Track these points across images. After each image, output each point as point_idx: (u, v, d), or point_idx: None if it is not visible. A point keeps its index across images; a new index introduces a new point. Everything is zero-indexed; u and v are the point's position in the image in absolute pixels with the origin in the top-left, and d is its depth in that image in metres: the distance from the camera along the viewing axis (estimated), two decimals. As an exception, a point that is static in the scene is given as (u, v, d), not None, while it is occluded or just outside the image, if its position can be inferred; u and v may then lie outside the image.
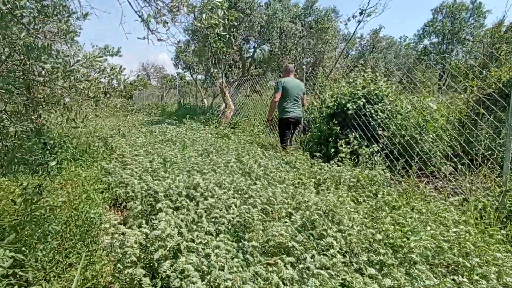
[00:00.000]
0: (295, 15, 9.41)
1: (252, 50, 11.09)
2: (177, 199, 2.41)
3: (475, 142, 3.69)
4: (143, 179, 3.07)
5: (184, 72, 15.80)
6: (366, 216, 2.31)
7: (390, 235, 1.95)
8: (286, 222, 2.04)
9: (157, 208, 2.13)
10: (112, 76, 2.47)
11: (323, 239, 1.83)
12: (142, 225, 1.89)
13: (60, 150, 4.16)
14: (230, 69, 10.55)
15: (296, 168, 3.55)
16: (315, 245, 1.82)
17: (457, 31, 16.96)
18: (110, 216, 2.46)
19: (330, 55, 10.81)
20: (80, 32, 2.63)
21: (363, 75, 4.34)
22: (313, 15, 9.77)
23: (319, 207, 2.22)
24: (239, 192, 2.53)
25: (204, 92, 17.16)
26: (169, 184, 2.60)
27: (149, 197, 2.74)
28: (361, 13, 8.33)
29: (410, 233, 1.99)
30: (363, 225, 2.07)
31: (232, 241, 1.75)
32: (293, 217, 2.10)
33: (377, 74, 4.20)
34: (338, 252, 1.74)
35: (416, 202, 2.68)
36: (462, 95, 4.43)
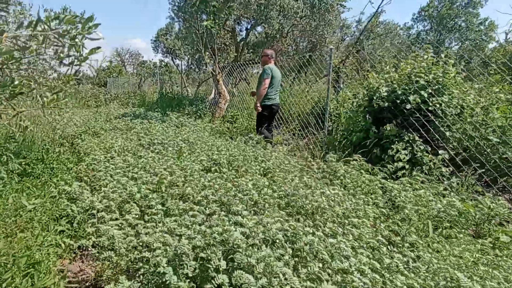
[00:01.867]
0: (296, -9, 8.21)
1: (245, 32, 9.81)
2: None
3: None
4: (128, 221, 1.89)
5: (164, 57, 14.25)
6: None
7: None
8: None
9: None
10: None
11: None
12: None
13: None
14: (220, 54, 9.24)
15: (351, 185, 2.48)
16: None
17: (453, 17, 16.38)
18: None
19: (331, 39, 9.74)
20: None
21: (425, 56, 3.29)
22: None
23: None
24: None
25: (186, 80, 15.67)
26: (177, 248, 1.45)
27: (141, 262, 1.58)
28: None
29: None
30: None
31: None
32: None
33: (444, 54, 3.16)
34: None
35: None
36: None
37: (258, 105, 4.48)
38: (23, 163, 3.12)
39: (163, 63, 15.12)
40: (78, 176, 3.32)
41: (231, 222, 1.72)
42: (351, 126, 3.85)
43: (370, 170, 2.95)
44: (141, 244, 1.66)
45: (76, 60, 1.46)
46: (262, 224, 1.68)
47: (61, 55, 1.31)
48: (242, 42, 9.40)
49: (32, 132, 3.76)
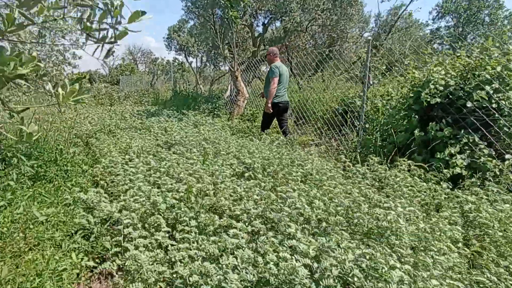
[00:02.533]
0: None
1: (262, 27, 9.44)
2: None
3: None
4: (157, 241, 1.57)
5: (178, 55, 13.99)
6: None
7: None
8: None
9: None
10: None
11: None
12: None
13: (8, 163, 2.59)
14: (237, 50, 8.89)
15: (408, 195, 2.10)
16: None
17: (475, 11, 15.61)
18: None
19: (352, 34, 9.28)
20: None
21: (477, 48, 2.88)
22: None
23: None
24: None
25: (198, 77, 15.39)
26: (222, 283, 1.12)
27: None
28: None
29: None
30: None
31: None
32: None
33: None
34: None
35: None
36: None
37: (270, 105, 4.36)
38: (35, 165, 2.85)
39: (177, 60, 14.88)
40: (94, 179, 3.05)
41: (284, 247, 1.38)
42: (392, 125, 3.46)
43: (423, 176, 2.57)
44: (175, 275, 1.34)
45: (111, 32, 1.04)
46: (324, 250, 1.34)
47: (88, 23, 0.97)
48: (259, 38, 9.04)
49: (45, 131, 3.50)
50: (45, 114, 4.17)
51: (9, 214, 1.95)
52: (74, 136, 4.30)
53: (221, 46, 6.32)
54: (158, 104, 9.75)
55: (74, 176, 3.04)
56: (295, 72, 9.34)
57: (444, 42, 17.69)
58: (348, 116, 4.82)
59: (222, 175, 2.36)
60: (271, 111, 4.40)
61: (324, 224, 1.56)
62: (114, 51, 1.07)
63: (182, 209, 1.91)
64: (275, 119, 4.71)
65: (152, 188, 2.48)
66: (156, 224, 1.93)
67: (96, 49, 1.04)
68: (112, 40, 1.01)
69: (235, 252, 1.40)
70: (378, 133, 3.60)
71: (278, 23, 9.44)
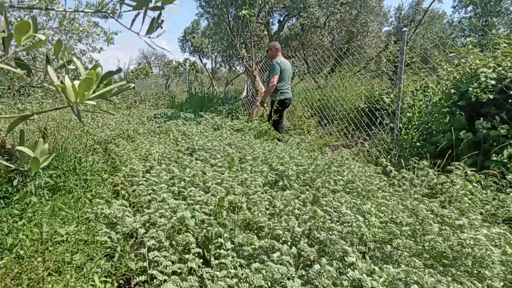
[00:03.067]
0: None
1: (277, 25, 9.18)
2: None
3: None
4: (191, 268, 1.36)
5: (192, 56, 13.92)
6: None
7: None
8: None
9: None
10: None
11: None
12: None
13: (26, 174, 2.45)
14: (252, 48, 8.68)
15: (475, 208, 1.81)
16: None
17: (499, 0, 14.81)
18: None
19: (373, 28, 8.89)
20: None
21: None
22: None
23: None
24: None
25: (213, 78, 15.27)
26: None
27: None
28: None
29: None
30: None
31: None
32: None
33: None
34: None
35: None
36: None
37: (265, 103, 4.38)
38: (54, 175, 2.71)
39: (188, 61, 14.80)
40: (114, 189, 2.89)
41: (345, 281, 1.14)
42: (433, 124, 3.15)
43: (481, 182, 2.26)
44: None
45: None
46: (396, 284, 1.09)
47: None
48: (275, 36, 8.79)
49: (63, 138, 3.37)
50: (63, 120, 4.06)
51: (29, 233, 1.79)
52: (93, 143, 4.19)
53: (238, 45, 6.11)
54: (174, 106, 9.66)
55: (94, 185, 2.89)
56: (311, 70, 9.05)
57: (469, 34, 16.92)
58: (377, 115, 4.52)
59: (254, 185, 2.13)
60: (265, 106, 4.44)
61: (388, 247, 1.30)
62: (161, 26, 0.85)
63: (214, 227, 1.69)
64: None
65: (177, 199, 2.29)
66: (184, 242, 1.73)
67: (133, 20, 0.82)
68: (158, 5, 0.78)
69: (285, 283, 1.17)
70: (416, 132, 3.29)
71: (294, 20, 9.17)
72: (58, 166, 2.89)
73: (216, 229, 1.68)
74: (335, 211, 1.54)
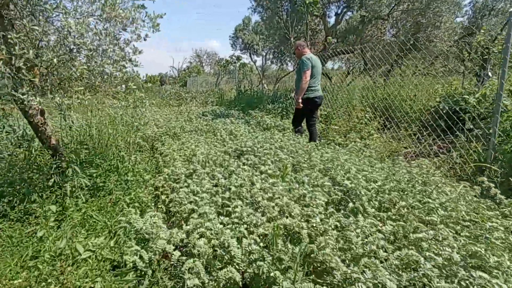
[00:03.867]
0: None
1: (333, 18, 8.50)
2: None
3: None
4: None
5: (242, 53, 13.76)
6: None
7: None
8: None
9: None
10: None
11: None
12: None
13: (64, 174, 2.29)
14: (308, 42, 8.14)
15: None
16: None
17: None
18: None
19: (447, 18, 7.74)
20: None
21: None
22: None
23: None
24: None
25: (262, 75, 14.94)
26: None
27: None
28: None
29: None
30: None
31: None
32: None
33: None
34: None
35: None
36: None
37: (300, 100, 4.02)
38: (94, 174, 2.54)
39: (237, 58, 14.69)
40: (155, 192, 2.64)
41: None
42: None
43: None
44: None
45: None
46: None
47: None
48: (332, 30, 8.13)
49: (107, 135, 3.25)
50: (109, 116, 3.99)
51: (52, 245, 1.56)
52: (140, 140, 4.07)
53: (292, 40, 5.64)
54: (222, 104, 9.52)
55: (135, 187, 2.67)
56: (369, 66, 8.22)
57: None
58: (457, 118, 3.73)
59: (314, 204, 1.67)
60: (301, 106, 4.03)
61: None
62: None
63: (266, 262, 1.28)
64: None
65: (220, 213, 1.93)
66: (227, 277, 1.34)
67: None
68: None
69: None
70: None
71: (353, 12, 8.39)
72: (100, 164, 2.73)
73: (267, 266, 1.27)
74: (447, 264, 1.02)
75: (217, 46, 63.48)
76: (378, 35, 9.30)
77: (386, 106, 4.88)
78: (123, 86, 2.50)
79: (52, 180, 2.11)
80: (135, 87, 2.49)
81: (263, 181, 2.14)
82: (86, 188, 2.38)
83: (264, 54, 13.82)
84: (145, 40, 2.42)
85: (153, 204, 2.41)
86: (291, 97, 7.85)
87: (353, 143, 3.60)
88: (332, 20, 8.78)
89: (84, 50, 2.05)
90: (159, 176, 2.84)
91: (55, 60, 1.78)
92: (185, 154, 3.21)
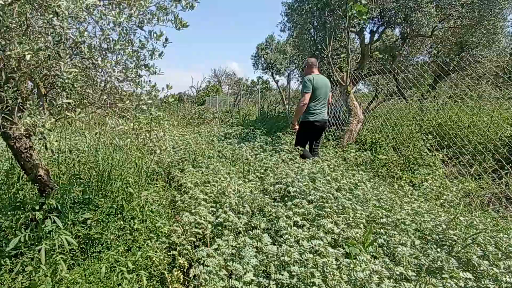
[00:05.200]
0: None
1: (369, 35, 7.85)
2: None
3: None
4: None
5: (264, 73, 13.27)
6: None
7: None
8: None
9: None
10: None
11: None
12: None
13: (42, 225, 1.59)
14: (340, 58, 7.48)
15: None
16: None
17: None
18: None
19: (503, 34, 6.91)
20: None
21: None
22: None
23: None
24: None
25: (287, 96, 14.35)
26: None
27: None
28: None
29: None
30: None
31: None
32: None
33: None
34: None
35: None
36: None
37: (295, 124, 3.91)
38: (89, 221, 1.83)
39: (261, 79, 14.21)
40: (171, 252, 1.89)
41: None
42: None
43: None
44: None
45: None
46: None
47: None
48: (367, 47, 7.46)
49: (116, 162, 2.56)
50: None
51: None
52: (155, 166, 3.38)
53: (329, 55, 4.95)
54: (244, 125, 8.86)
55: (143, 239, 1.94)
56: (404, 87, 7.43)
57: None
58: None
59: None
60: (296, 128, 3.92)
61: None
62: None
63: None
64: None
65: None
66: None
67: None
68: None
69: None
70: None
71: (391, 29, 7.72)
72: (99, 204, 2.03)
73: None
74: None
75: (235, 66, 64.37)
76: (415, 54, 8.56)
77: (449, 133, 4.04)
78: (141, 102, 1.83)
79: (16, 239, 1.39)
80: (150, 101, 1.80)
81: (337, 260, 1.35)
82: (72, 246, 1.67)
83: (288, 73, 13.29)
84: (164, 45, 1.75)
85: (167, 272, 1.65)
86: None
87: (423, 182, 2.78)
88: (367, 37, 8.11)
89: (77, 46, 1.39)
90: (177, 224, 2.10)
91: (27, 55, 1.11)
92: (211, 191, 2.46)
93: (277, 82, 13.19)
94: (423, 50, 8.66)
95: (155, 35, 1.66)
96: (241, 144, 4.48)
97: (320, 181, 2.46)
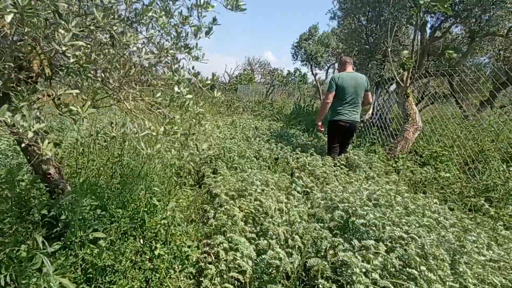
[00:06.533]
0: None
1: (429, 31, 6.95)
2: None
3: None
4: None
5: (303, 65, 12.54)
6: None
7: None
8: None
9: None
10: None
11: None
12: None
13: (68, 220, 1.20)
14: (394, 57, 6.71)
15: None
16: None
17: None
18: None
19: None
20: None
21: None
22: None
23: None
24: None
25: (315, 91, 13.59)
26: None
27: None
28: None
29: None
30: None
31: None
32: None
33: None
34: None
35: None
36: None
37: (319, 124, 3.75)
38: (102, 242, 1.44)
39: (298, 71, 13.50)
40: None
41: None
42: None
43: None
44: None
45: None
46: None
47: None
48: (427, 44, 6.59)
49: (140, 163, 2.17)
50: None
51: None
52: (189, 164, 2.98)
53: (389, 51, 4.26)
54: (278, 119, 8.33)
55: (165, 270, 1.52)
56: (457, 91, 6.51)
57: None
58: None
59: None
60: (321, 129, 3.77)
61: None
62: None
63: None
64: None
65: None
66: None
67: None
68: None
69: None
70: None
71: (457, 26, 6.76)
72: (115, 218, 1.64)
73: None
74: None
75: (269, 56, 63.30)
76: (482, 55, 7.54)
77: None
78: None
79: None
80: (190, 96, 1.34)
81: None
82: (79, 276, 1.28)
83: (328, 66, 12.45)
84: (210, 26, 1.27)
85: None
86: (362, 120, 6.38)
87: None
88: (428, 33, 7.20)
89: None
90: (208, 248, 1.67)
91: (7, 16, 0.68)
92: (250, 207, 2.00)
93: (315, 75, 12.44)
94: (489, 51, 7.60)
95: (203, 3, 1.18)
96: (280, 144, 3.97)
97: (387, 208, 1.91)
